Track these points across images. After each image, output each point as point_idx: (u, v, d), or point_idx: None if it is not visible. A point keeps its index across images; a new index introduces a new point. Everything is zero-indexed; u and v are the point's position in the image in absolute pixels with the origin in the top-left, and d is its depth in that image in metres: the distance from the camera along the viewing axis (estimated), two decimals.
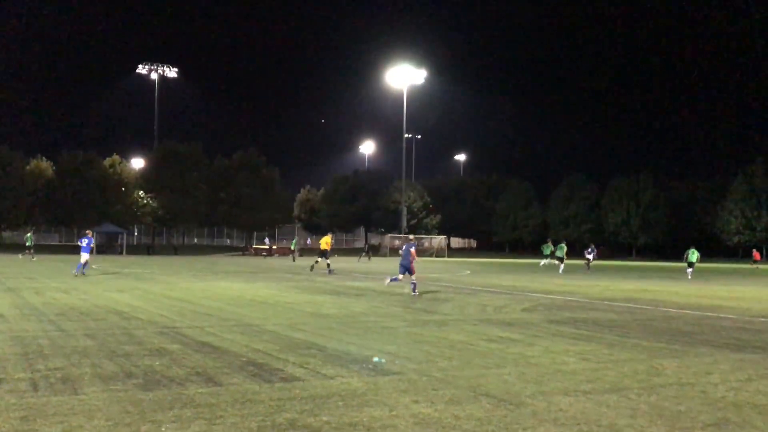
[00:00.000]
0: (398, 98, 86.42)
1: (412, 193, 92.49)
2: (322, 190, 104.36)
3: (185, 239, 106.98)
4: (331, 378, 7.89)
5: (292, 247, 61.70)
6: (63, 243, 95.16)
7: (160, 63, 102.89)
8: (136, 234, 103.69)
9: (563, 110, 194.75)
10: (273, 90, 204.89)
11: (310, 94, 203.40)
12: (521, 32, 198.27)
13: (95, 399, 6.63)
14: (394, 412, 6.38)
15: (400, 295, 20.23)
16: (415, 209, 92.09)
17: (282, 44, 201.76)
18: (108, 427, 5.70)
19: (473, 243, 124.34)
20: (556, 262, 45.36)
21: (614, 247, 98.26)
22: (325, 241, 34.57)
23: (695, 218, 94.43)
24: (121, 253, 75.54)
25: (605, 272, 44.15)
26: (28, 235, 52.45)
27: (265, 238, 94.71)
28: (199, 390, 7.11)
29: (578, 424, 6.16)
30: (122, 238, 79.22)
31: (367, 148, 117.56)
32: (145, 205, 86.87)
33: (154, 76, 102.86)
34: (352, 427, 5.85)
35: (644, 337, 12.00)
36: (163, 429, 5.66)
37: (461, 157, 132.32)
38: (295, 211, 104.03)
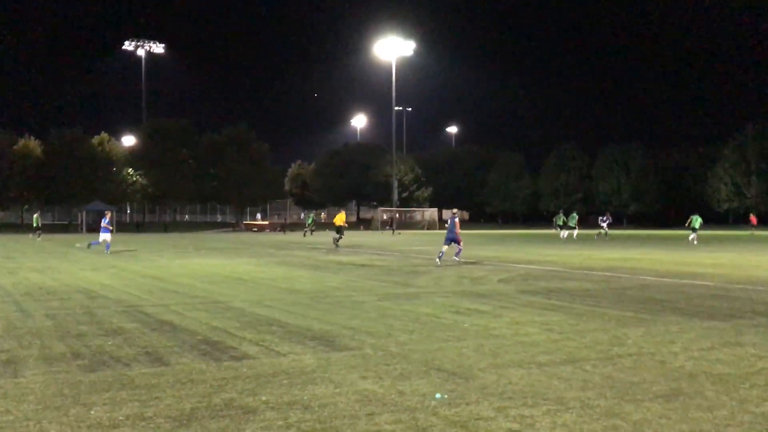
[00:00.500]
0: (387, 70, 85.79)
1: (403, 166, 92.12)
2: (313, 165, 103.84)
3: (177, 216, 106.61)
4: (284, 355, 7.72)
5: (309, 222, 61.58)
6: (56, 222, 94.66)
7: (147, 39, 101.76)
8: (129, 212, 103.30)
9: (553, 80, 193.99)
10: (261, 65, 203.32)
11: (298, 68, 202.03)
12: (510, 2, 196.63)
13: (33, 382, 6.45)
14: (338, 390, 6.21)
15: (379, 268, 20.08)
16: (407, 182, 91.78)
17: (270, 18, 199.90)
18: (36, 411, 5.52)
19: (466, 215, 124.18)
20: (568, 231, 47.27)
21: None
22: (340, 218, 35.71)
23: (686, 186, 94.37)
24: (111, 231, 75.23)
25: (603, 241, 44.04)
26: (35, 216, 52.32)
27: (257, 214, 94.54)
28: (143, 370, 6.93)
29: (525, 397, 6.01)
30: (113, 217, 78.83)
31: (359, 121, 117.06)
32: (134, 182, 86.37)
33: (140, 52, 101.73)
34: (289, 406, 5.68)
35: (614, 307, 11.87)
36: (92, 412, 5.48)
37: (453, 129, 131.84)
38: (287, 186, 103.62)
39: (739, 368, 7.17)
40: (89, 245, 30.58)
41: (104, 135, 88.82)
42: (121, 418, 5.34)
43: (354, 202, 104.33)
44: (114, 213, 78.52)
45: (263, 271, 19.03)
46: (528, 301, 12.70)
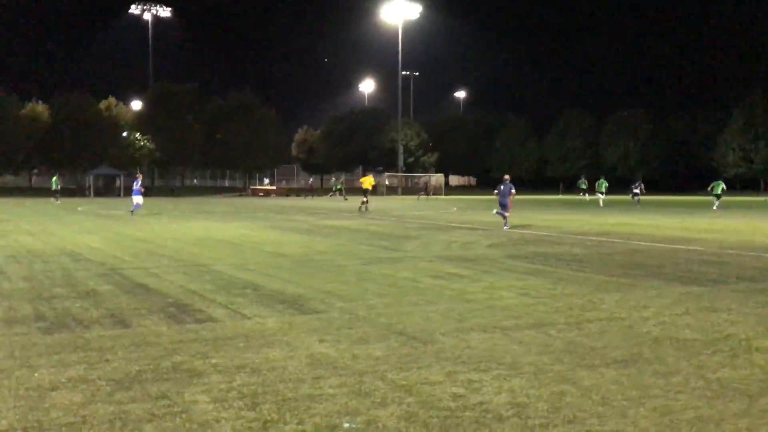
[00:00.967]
0: (394, 34, 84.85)
1: (409, 131, 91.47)
2: (319, 130, 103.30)
3: (184, 181, 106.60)
4: (249, 318, 7.63)
5: (340, 187, 61.46)
6: (63, 186, 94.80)
7: (153, 3, 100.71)
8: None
9: (561, 45, 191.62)
10: (268, 29, 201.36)
11: (305, 33, 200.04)
12: None
13: None
14: (292, 353, 6.11)
15: (372, 233, 19.98)
16: (413, 147, 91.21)
17: None
18: None
19: (472, 180, 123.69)
20: (599, 196, 47.02)
21: (611, 183, 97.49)
22: (368, 181, 36.23)
23: (693, 152, 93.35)
24: (119, 195, 75.41)
25: (626, 208, 43.74)
26: (54, 178, 52.57)
27: (264, 179, 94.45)
28: (102, 333, 6.85)
29: (479, 361, 5.89)
30: (120, 181, 78.93)
31: (367, 86, 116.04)
32: (141, 147, 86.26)
33: (147, 16, 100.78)
34: (238, 370, 5.58)
35: (598, 271, 11.71)
36: (36, 374, 5.40)
37: (461, 94, 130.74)
38: (293, 152, 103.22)
39: (707, 334, 7.03)
40: (132, 212, 29.83)
41: (111, 99, 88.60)
42: (63, 380, 5.25)
43: (360, 168, 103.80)
44: (122, 178, 78.73)
45: (255, 235, 18.94)
46: (512, 265, 12.56)
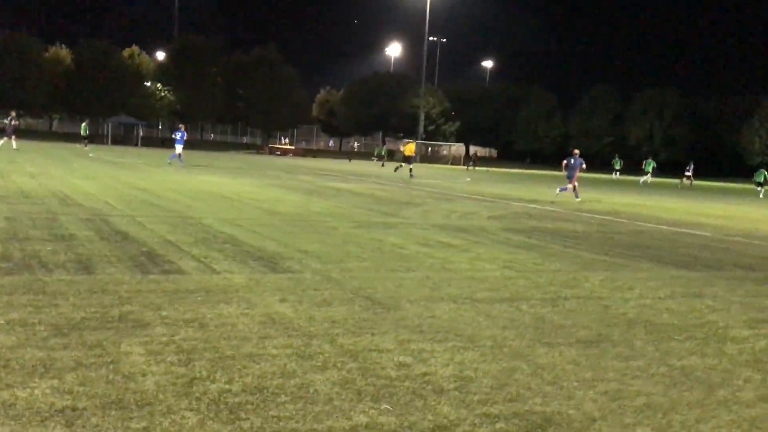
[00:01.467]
0: None
1: (432, 98, 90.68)
2: (342, 92, 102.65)
3: (205, 135, 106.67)
4: (217, 273, 7.48)
5: (382, 153, 61.83)
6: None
7: None
8: (160, 127, 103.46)
9: (591, 20, 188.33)
10: None
11: None
12: None
13: None
14: (248, 311, 5.95)
15: (375, 198, 19.78)
16: (434, 115, 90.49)
17: None
18: None
19: (494, 153, 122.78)
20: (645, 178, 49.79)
21: (633, 162, 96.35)
22: (410, 148, 37.37)
23: (719, 136, 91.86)
24: (137, 144, 75.68)
25: (685, 191, 43.14)
26: (83, 124, 52.78)
27: (284, 138, 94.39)
28: (62, 277, 6.72)
29: (437, 332, 5.70)
30: (138, 130, 79.13)
31: (393, 50, 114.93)
32: (162, 98, 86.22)
33: None
34: (185, 324, 5.44)
35: (592, 250, 11.45)
36: None
37: (488, 64, 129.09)
38: (314, 112, 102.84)
39: (685, 320, 6.79)
40: (170, 162, 30.25)
41: (135, 48, 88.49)
42: (1, 322, 5.13)
43: (380, 133, 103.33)
44: (140, 127, 78.82)
45: (255, 192, 18.80)
46: (506, 238, 12.32)
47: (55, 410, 3.65)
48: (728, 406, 4.44)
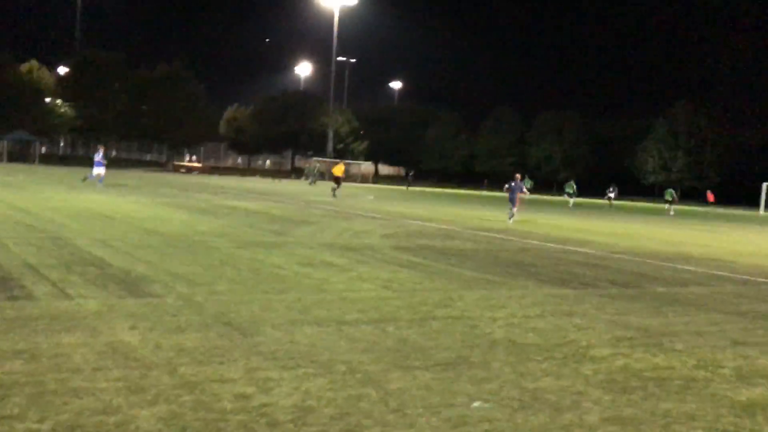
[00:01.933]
0: (330, 19, 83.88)
1: (341, 117, 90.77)
2: (250, 109, 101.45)
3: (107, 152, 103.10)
4: (70, 298, 7.00)
5: (314, 172, 60.89)
6: None
7: None
8: (62, 144, 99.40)
9: (497, 43, 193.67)
10: (202, 2, 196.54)
11: (240, 10, 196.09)
12: None
13: None
14: (90, 340, 5.54)
15: (269, 216, 19.40)
16: (343, 134, 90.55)
17: None
18: None
19: (402, 171, 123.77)
20: (570, 199, 50.11)
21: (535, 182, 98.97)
22: (339, 169, 37.96)
23: (616, 156, 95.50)
24: (34, 161, 72.58)
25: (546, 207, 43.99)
26: None
27: (193, 156, 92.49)
28: None
29: (293, 358, 5.45)
30: (35, 147, 75.90)
31: (303, 69, 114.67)
32: (62, 114, 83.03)
33: None
34: (15, 354, 5.00)
35: (476, 268, 11.46)
36: None
37: (396, 85, 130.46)
38: (222, 129, 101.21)
39: (549, 339, 6.76)
40: (84, 179, 28.90)
41: (34, 63, 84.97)
42: None
43: (290, 151, 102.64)
44: (37, 144, 75.62)
45: (142, 211, 18.12)
46: (393, 257, 12.21)
47: None
48: (570, 430, 4.36)
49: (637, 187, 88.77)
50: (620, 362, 6.08)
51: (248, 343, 5.80)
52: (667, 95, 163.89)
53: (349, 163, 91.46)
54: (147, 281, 8.22)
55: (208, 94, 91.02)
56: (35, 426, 3.79)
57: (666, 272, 12.85)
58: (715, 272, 13.38)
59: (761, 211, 65.53)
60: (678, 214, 47.35)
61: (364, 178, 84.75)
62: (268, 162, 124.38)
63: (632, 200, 76.31)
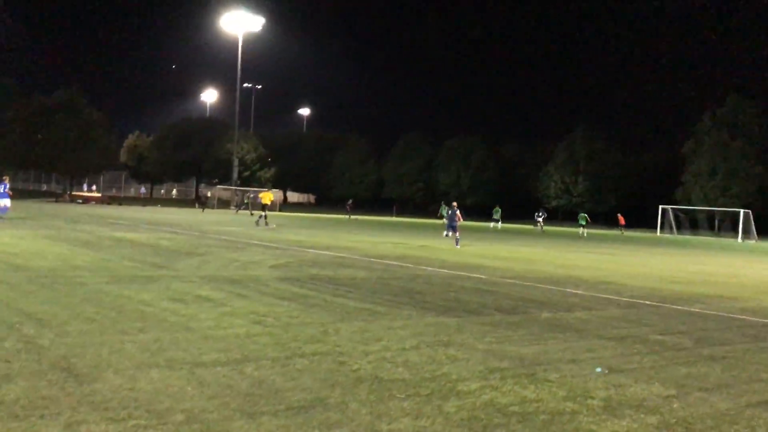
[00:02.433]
0: (236, 45, 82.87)
1: (246, 144, 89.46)
2: (152, 137, 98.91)
3: None
4: None
5: (246, 201, 59.32)
6: None
7: None
8: None
9: (405, 68, 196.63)
10: (102, 29, 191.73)
11: (141, 37, 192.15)
12: None
13: None
14: None
15: (156, 247, 18.60)
16: (249, 161, 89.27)
17: None
18: None
19: (312, 198, 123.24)
20: (497, 224, 53.09)
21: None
22: (267, 197, 38.67)
23: (522, 181, 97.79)
24: (10, 195, 68.34)
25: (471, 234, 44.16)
26: None
27: (83, 185, 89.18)
28: None
29: (126, 408, 4.96)
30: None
31: (209, 96, 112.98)
32: None
33: None
34: None
35: (362, 298, 11.15)
36: None
37: (305, 111, 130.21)
38: (123, 158, 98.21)
39: (419, 373, 6.48)
40: None
41: None
42: None
43: (193, 179, 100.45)
44: None
45: (17, 245, 17.02)
46: (277, 289, 11.76)
47: None
48: None
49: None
50: (487, 396, 5.85)
51: (81, 392, 5.27)
52: (568, 120, 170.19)
53: (256, 191, 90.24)
54: None
55: (108, 122, 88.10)
56: None
57: (554, 297, 12.89)
58: (603, 296, 13.53)
59: (658, 232, 68.21)
60: (589, 237, 48.69)
61: (271, 206, 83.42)
62: (174, 191, 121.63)
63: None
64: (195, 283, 11.92)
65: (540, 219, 55.59)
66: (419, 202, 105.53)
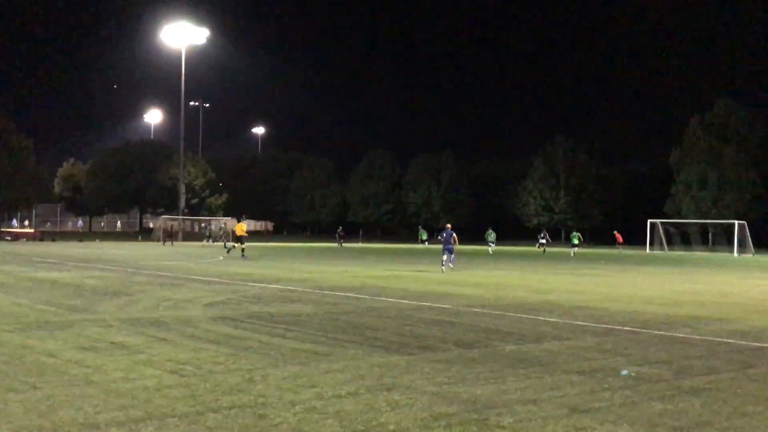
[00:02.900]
0: (179, 61, 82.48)
1: (193, 169, 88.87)
2: (89, 164, 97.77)
3: None
4: None
5: (220, 232, 59.07)
6: None
7: None
8: None
9: (365, 83, 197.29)
10: (32, 45, 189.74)
11: (77, 55, 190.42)
12: None
13: None
14: None
15: (78, 287, 18.05)
16: (197, 187, 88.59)
17: None
18: None
19: (270, 225, 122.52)
20: (491, 246, 55.87)
21: (415, 230, 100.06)
22: (240, 228, 39.48)
23: (498, 200, 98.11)
24: None
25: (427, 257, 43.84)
26: None
27: (14, 220, 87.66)
28: None
29: None
30: None
31: (153, 117, 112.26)
32: None
33: None
34: None
35: (304, 337, 10.76)
36: None
37: (259, 130, 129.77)
38: (56, 188, 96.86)
39: (350, 425, 6.13)
40: None
41: None
42: None
43: (137, 209, 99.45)
44: None
45: None
46: (206, 330, 11.33)
47: None
48: None
49: (522, 230, 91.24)
50: None
51: None
52: (545, 131, 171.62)
53: (208, 220, 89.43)
54: None
55: (39, 150, 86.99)
56: None
57: (524, 326, 12.61)
58: (578, 323, 13.28)
59: (647, 249, 68.65)
60: (577, 257, 48.82)
61: (224, 237, 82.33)
62: (118, 223, 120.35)
63: (515, 244, 78.21)
64: (113, 327, 11.45)
65: (543, 240, 57.92)
66: (388, 226, 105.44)
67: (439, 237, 30.03)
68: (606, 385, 7.88)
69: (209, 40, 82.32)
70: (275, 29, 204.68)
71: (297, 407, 6.63)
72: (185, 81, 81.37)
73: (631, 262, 44.09)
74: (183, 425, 5.98)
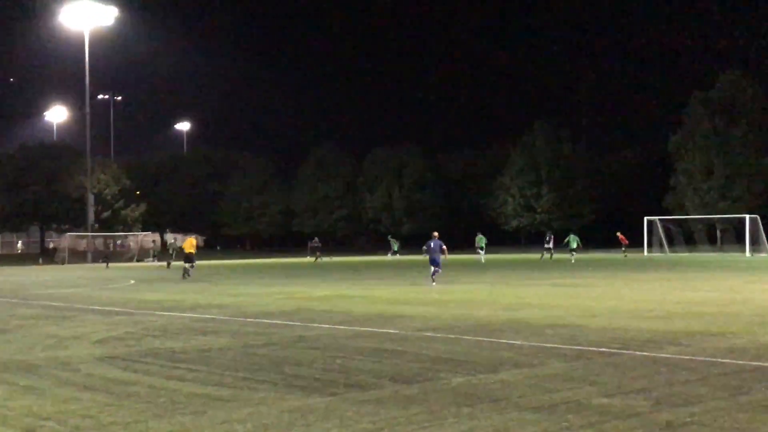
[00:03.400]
0: (83, 45, 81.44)
1: (104, 176, 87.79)
2: None
3: None
4: None
5: (175, 248, 57.59)
6: None
7: None
8: None
9: (309, 67, 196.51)
10: None
11: None
12: None
13: None
14: None
15: None
16: (109, 197, 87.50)
17: None
18: None
19: (199, 240, 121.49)
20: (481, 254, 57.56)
21: (375, 239, 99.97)
22: (190, 244, 41.72)
23: (469, 200, 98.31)
24: None
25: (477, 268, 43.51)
26: None
27: None
28: None
29: None
30: None
31: (56, 115, 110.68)
32: None
33: None
34: None
35: (207, 378, 10.42)
36: None
37: (184, 127, 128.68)
38: None
39: None
40: None
41: None
42: None
43: (37, 226, 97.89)
44: None
45: None
46: (88, 374, 10.93)
47: None
48: None
49: (500, 234, 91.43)
50: None
51: None
52: (523, 118, 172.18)
53: (124, 236, 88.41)
54: None
55: None
56: None
57: (481, 352, 12.39)
58: (548, 345, 13.09)
59: (645, 251, 69.19)
60: (555, 262, 49.03)
61: (142, 254, 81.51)
62: (20, 244, 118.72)
63: (495, 252, 78.35)
64: None
65: (550, 245, 59.34)
66: (342, 235, 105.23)
67: (424, 248, 30.96)
68: (566, 423, 7.64)
69: (118, 20, 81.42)
70: (198, 4, 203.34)
71: None
72: (91, 70, 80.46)
73: (624, 267, 44.29)
74: None
